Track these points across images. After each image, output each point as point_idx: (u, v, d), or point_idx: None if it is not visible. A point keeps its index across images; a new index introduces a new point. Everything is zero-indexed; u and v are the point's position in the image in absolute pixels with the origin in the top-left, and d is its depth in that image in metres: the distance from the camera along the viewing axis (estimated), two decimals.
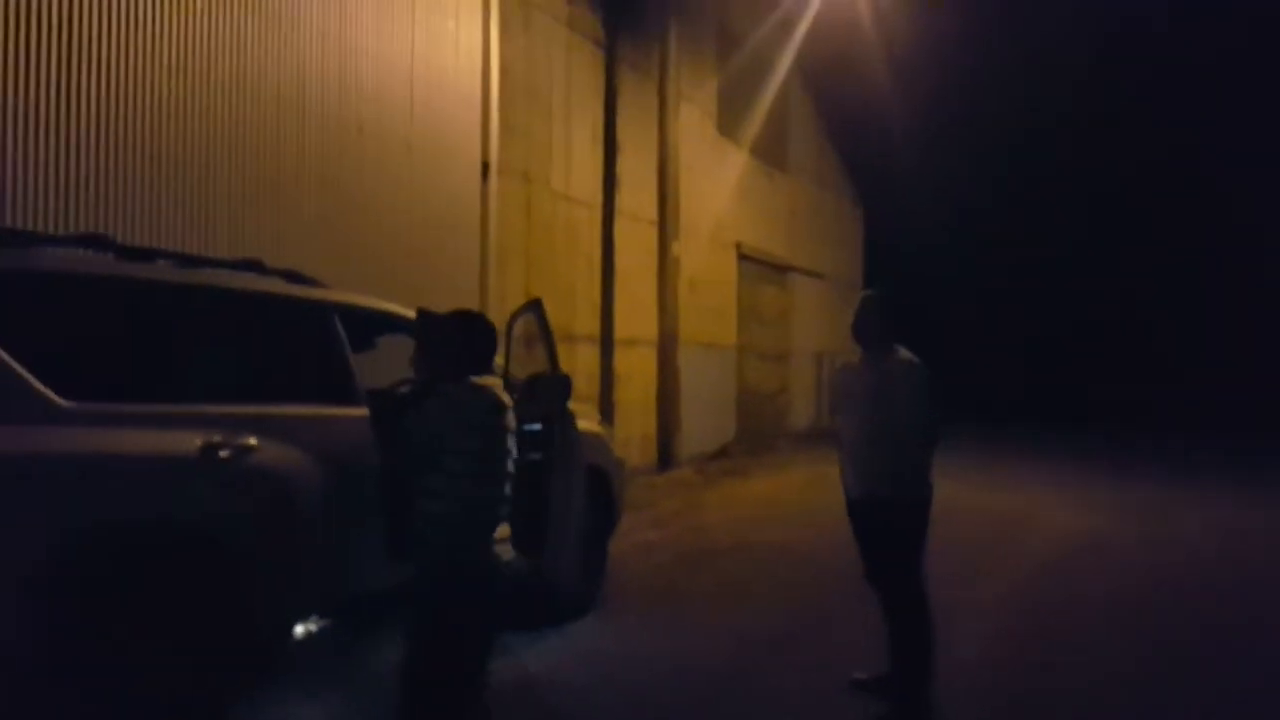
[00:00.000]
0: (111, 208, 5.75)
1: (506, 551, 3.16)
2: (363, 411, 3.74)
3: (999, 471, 13.19)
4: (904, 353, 4.14)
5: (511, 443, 3.19)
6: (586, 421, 5.45)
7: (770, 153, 17.03)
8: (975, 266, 26.12)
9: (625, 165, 11.84)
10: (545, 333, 4.52)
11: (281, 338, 3.95)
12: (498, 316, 8.00)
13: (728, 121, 15.08)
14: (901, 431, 4.01)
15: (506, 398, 3.23)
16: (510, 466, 3.19)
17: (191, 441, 3.24)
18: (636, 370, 12.05)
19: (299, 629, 3.53)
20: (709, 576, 6.71)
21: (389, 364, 4.64)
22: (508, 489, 3.18)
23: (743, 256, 15.68)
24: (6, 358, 2.89)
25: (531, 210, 10.13)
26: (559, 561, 4.50)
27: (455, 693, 3.11)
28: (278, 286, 4.05)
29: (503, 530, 3.25)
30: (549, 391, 4.31)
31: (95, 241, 3.55)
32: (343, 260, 7.12)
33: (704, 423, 13.69)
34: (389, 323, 4.67)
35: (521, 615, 4.46)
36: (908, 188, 22.12)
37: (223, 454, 3.32)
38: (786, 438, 17.08)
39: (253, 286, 3.89)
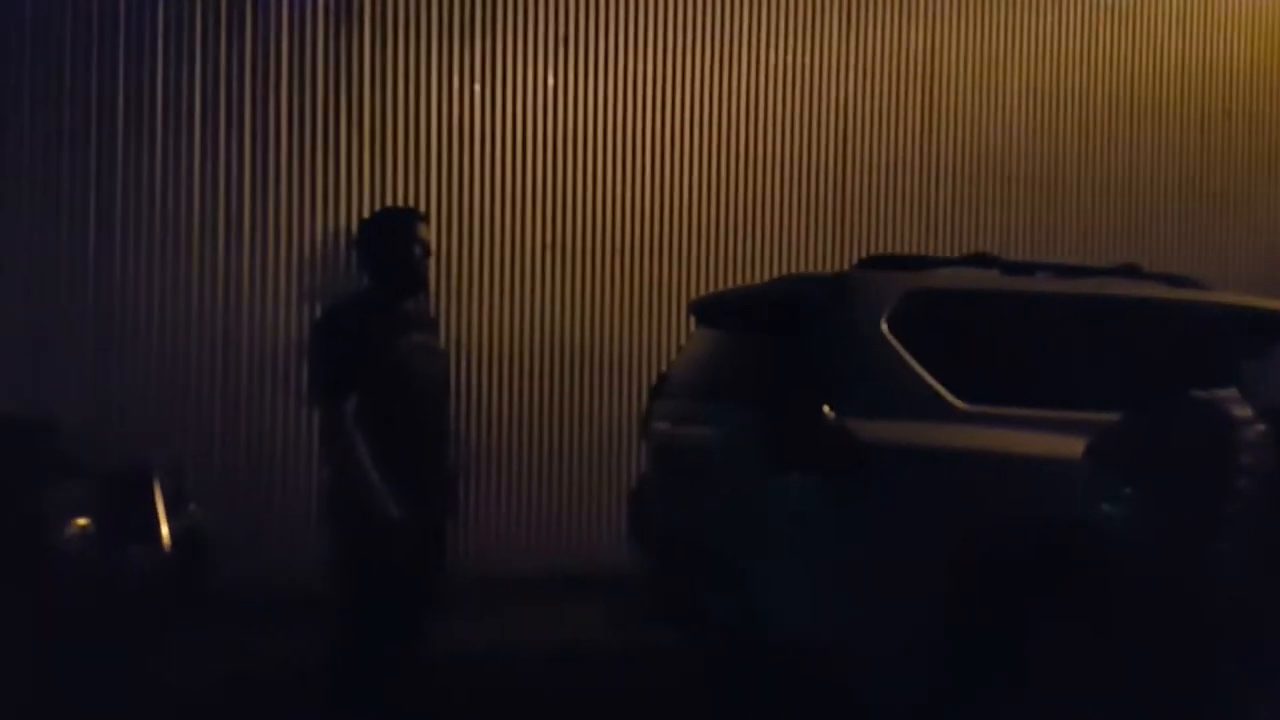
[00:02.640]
0: (964, 231, 6.46)
1: None
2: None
3: None
4: None
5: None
6: None
7: None
8: None
9: None
10: None
11: (1167, 345, 3.87)
12: None
13: None
14: None
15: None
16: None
17: (1074, 446, 3.37)
18: None
19: None
20: None
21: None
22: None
23: None
24: (916, 364, 3.49)
25: None
26: None
27: None
28: (1162, 292, 4.03)
29: None
30: None
31: (981, 260, 4.04)
32: (1210, 258, 6.71)
33: None
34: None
35: None
36: None
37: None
38: None
39: (1139, 294, 3.96)
